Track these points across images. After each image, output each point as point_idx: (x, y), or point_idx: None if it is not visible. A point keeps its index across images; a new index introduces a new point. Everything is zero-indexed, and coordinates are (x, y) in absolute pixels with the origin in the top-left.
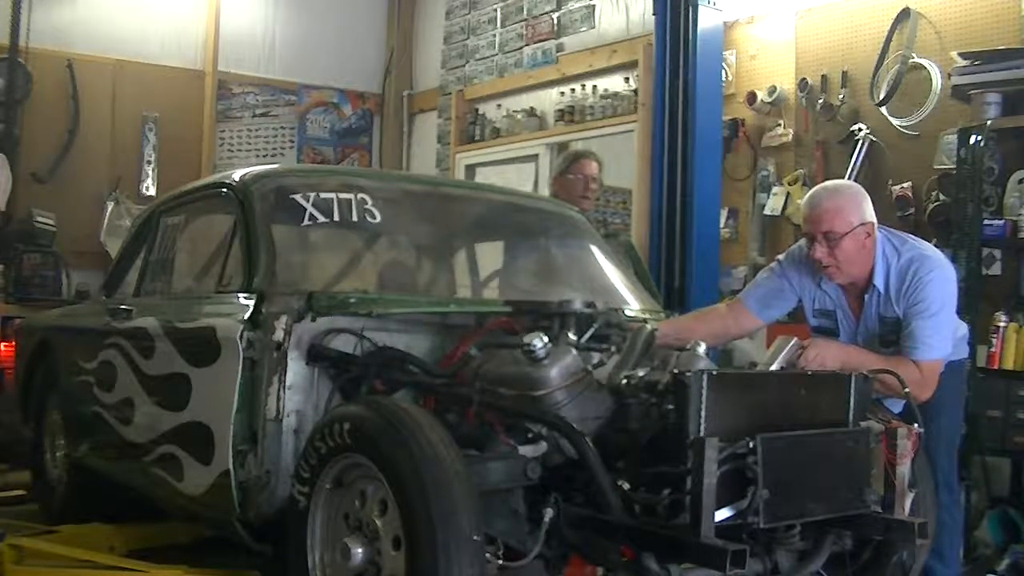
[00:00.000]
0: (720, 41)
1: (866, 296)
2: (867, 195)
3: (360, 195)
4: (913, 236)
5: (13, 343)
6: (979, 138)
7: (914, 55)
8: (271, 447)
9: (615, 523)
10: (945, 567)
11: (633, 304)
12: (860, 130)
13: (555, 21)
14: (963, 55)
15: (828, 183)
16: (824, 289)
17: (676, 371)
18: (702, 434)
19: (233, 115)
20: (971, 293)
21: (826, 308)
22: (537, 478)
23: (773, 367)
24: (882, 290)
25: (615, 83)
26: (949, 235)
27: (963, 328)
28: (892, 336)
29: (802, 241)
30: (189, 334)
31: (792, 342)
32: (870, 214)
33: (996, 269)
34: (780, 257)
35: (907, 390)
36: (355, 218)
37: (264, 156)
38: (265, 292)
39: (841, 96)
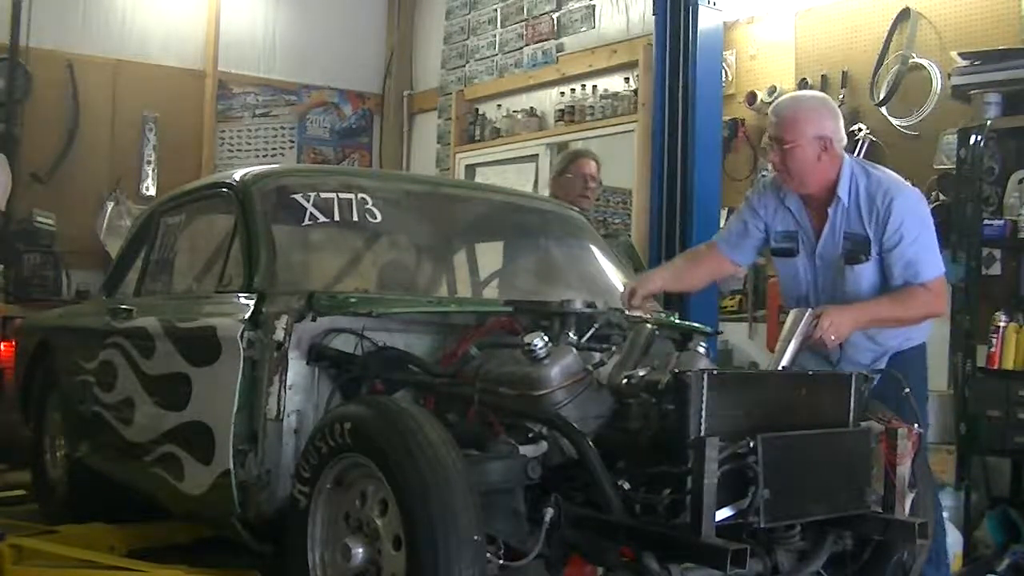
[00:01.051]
0: (720, 41)
1: (829, 209)
2: (836, 112)
3: (360, 195)
4: (880, 166)
5: (13, 343)
6: (979, 138)
7: (914, 55)
8: (271, 447)
9: (615, 523)
10: (933, 569)
11: None
12: (860, 130)
13: (555, 21)
14: (963, 55)
15: (800, 92)
16: (787, 206)
17: (676, 371)
18: (702, 434)
19: (233, 115)
20: (971, 293)
21: (788, 229)
22: (537, 478)
23: (793, 341)
24: (847, 203)
25: (615, 83)
26: (949, 235)
27: None
28: (860, 256)
29: (771, 175)
30: (189, 334)
31: (807, 313)
32: (831, 130)
33: (996, 269)
34: (748, 192)
35: (907, 390)
36: (355, 218)
37: (264, 156)
38: (265, 292)
39: (841, 96)
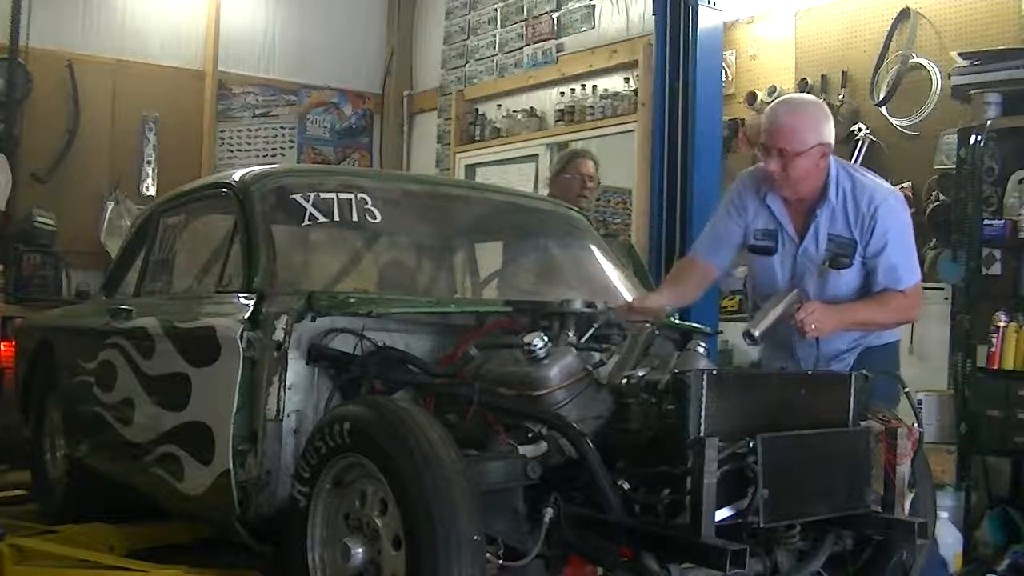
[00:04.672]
0: (720, 41)
1: (817, 210)
2: (829, 115)
3: (360, 195)
4: (861, 168)
5: (13, 343)
6: (979, 138)
7: (914, 55)
8: (271, 447)
9: (615, 523)
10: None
11: None
12: (860, 130)
13: (555, 21)
14: (963, 55)
15: (792, 97)
16: (768, 205)
17: (676, 371)
18: (702, 434)
19: (233, 115)
20: (971, 293)
21: (768, 228)
22: (537, 478)
23: (772, 312)
24: (835, 203)
25: (615, 83)
26: (949, 235)
27: None
28: (845, 259)
29: (749, 169)
30: (189, 334)
31: (792, 293)
32: (828, 134)
33: (996, 269)
34: (730, 187)
35: (907, 390)
36: (355, 218)
37: (264, 156)
38: (265, 292)
39: (841, 96)
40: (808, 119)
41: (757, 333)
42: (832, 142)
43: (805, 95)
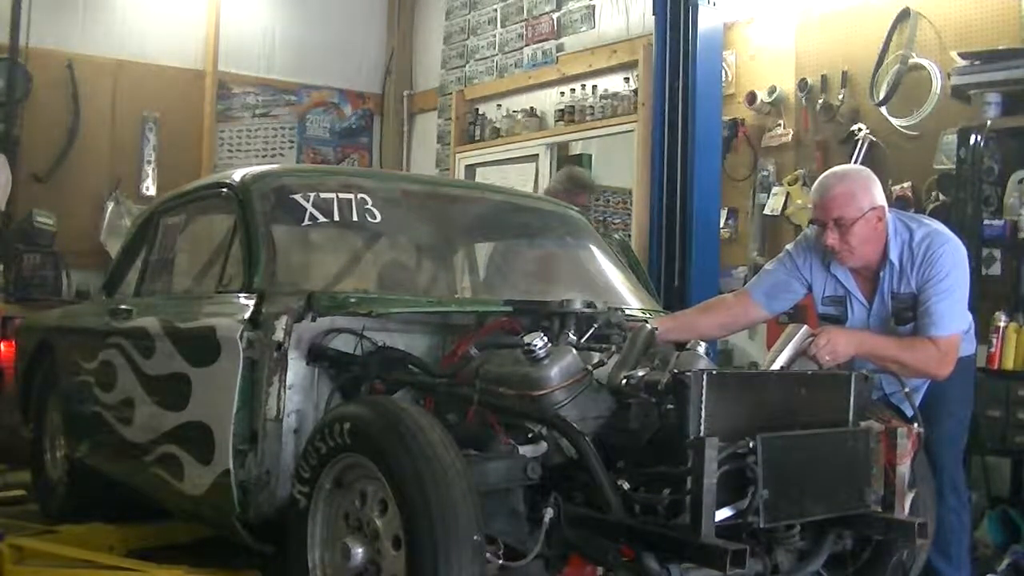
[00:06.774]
0: (720, 41)
1: (881, 273)
2: (876, 179)
3: (360, 195)
4: (922, 215)
5: (13, 343)
6: (979, 138)
7: (914, 55)
8: (271, 447)
9: (615, 523)
10: (955, 570)
11: (633, 304)
12: (860, 130)
13: (555, 21)
14: (963, 55)
15: (836, 168)
16: (834, 274)
17: (676, 371)
18: (702, 434)
19: (233, 115)
20: (971, 293)
21: (836, 295)
22: (537, 478)
23: (783, 356)
24: (897, 265)
25: (615, 83)
26: None
27: (968, 318)
28: (908, 313)
29: (811, 228)
30: (189, 334)
31: (802, 330)
32: (880, 197)
33: (996, 269)
34: (789, 247)
35: (907, 390)
36: (355, 218)
37: (264, 156)
38: (265, 292)
39: (841, 96)
40: (858, 184)
41: None
42: (885, 204)
43: (848, 165)
